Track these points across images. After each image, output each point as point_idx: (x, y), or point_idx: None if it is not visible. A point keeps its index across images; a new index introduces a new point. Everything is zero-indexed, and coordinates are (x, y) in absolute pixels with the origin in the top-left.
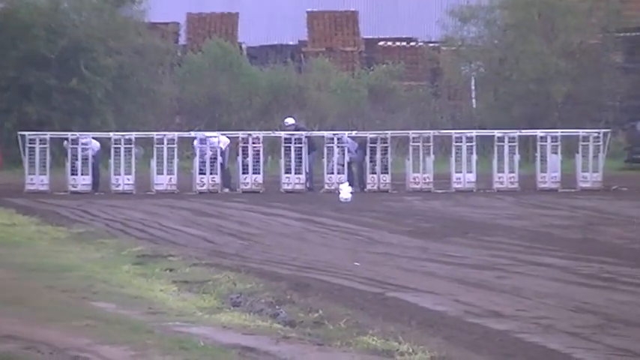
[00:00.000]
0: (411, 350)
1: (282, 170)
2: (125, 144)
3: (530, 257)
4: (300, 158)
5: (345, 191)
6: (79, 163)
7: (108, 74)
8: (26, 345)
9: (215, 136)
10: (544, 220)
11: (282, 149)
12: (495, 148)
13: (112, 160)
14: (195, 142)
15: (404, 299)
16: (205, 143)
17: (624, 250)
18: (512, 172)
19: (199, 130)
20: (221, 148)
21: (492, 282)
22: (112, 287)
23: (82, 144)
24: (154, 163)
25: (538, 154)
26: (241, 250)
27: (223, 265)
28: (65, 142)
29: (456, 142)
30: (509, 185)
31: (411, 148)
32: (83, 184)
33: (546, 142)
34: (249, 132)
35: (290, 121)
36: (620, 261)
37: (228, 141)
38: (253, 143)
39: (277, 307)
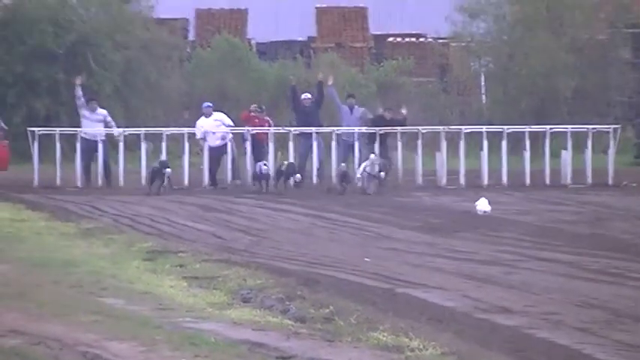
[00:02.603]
0: (421, 346)
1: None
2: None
3: (539, 252)
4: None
5: (484, 203)
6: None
7: (116, 69)
8: (34, 340)
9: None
10: (553, 215)
11: (291, 144)
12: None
13: (121, 156)
14: (199, 134)
15: (413, 295)
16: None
17: (632, 246)
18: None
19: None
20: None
21: (501, 277)
22: (121, 283)
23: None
24: (163, 158)
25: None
26: (250, 246)
27: (233, 260)
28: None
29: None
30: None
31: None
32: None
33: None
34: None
35: (307, 95)
36: (628, 256)
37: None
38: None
39: (287, 302)
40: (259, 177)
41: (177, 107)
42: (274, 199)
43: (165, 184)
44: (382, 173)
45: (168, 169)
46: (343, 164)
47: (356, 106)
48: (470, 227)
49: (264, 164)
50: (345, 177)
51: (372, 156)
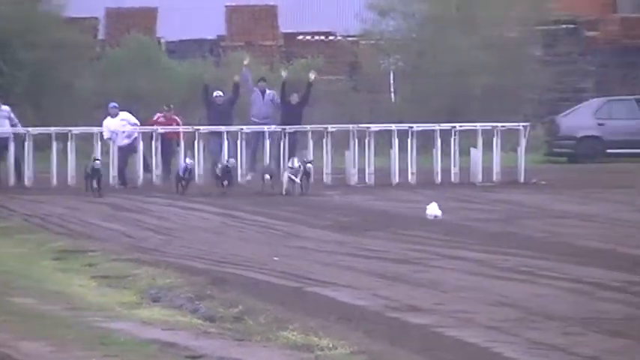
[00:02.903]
0: (331, 345)
1: (202, 166)
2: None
3: (449, 251)
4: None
5: (433, 207)
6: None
7: (26, 69)
8: None
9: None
10: (464, 213)
11: (200, 143)
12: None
13: (30, 156)
14: (107, 134)
15: (323, 294)
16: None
17: (543, 244)
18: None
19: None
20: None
21: (411, 276)
22: (31, 282)
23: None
24: (72, 157)
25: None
26: (160, 245)
27: (143, 260)
28: None
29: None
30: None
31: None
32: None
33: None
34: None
35: (219, 93)
36: (539, 254)
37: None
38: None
39: (197, 302)
40: (182, 177)
41: (88, 107)
42: (185, 199)
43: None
44: (309, 166)
45: (97, 162)
46: (267, 164)
47: (267, 91)
48: (380, 226)
49: (188, 165)
50: (271, 175)
51: (295, 159)
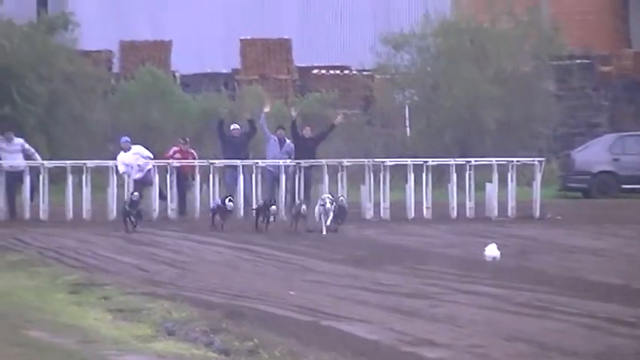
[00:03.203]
0: None
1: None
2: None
3: (464, 285)
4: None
5: (492, 249)
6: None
7: (40, 101)
8: None
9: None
10: (477, 248)
11: (217, 177)
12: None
13: (45, 189)
14: (122, 169)
15: (338, 328)
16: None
17: (557, 279)
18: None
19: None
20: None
21: (426, 310)
22: (46, 315)
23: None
24: (87, 190)
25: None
26: (175, 279)
27: (157, 293)
28: None
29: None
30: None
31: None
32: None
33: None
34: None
35: (236, 126)
36: (553, 289)
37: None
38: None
39: (212, 335)
40: (220, 212)
41: (102, 140)
42: (199, 232)
43: (135, 220)
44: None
45: (135, 194)
46: (298, 201)
47: (287, 140)
48: (394, 260)
49: (229, 200)
50: (299, 214)
51: (326, 195)
